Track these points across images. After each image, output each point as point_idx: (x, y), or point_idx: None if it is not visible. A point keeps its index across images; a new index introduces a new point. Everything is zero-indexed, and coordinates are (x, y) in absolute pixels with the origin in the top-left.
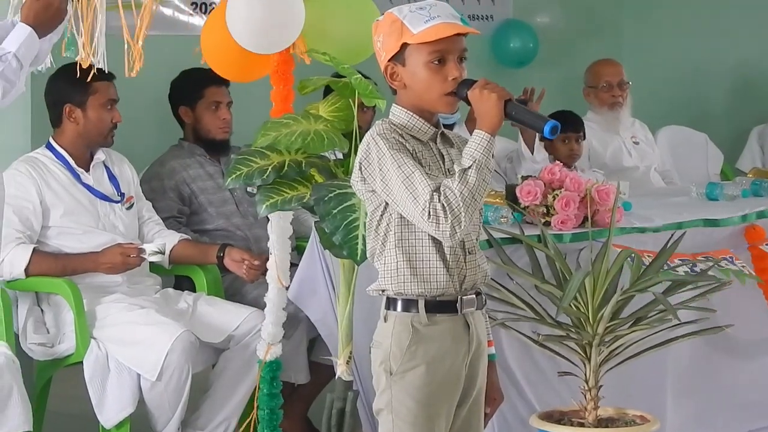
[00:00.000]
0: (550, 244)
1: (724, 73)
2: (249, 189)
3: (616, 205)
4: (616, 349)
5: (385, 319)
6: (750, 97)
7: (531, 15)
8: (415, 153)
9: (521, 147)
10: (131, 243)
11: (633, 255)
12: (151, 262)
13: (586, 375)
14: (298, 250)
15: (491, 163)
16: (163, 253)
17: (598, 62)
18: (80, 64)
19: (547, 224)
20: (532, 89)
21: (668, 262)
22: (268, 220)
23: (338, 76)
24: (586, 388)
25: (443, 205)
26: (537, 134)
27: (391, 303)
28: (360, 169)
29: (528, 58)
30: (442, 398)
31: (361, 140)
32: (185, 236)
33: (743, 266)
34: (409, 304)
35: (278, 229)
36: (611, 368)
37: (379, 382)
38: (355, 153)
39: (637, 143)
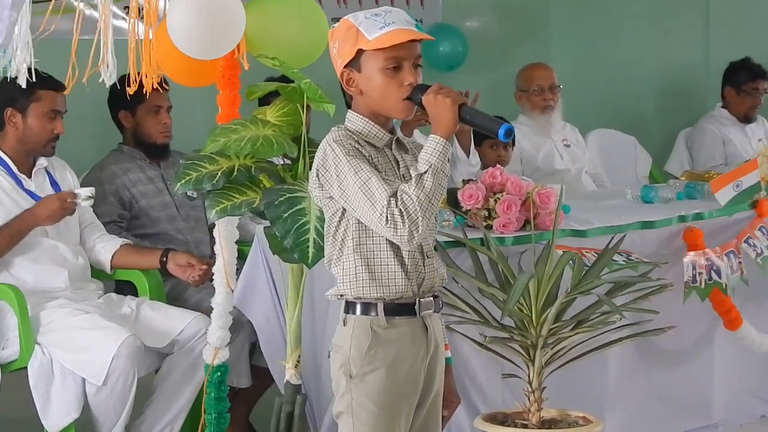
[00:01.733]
0: (493, 247)
1: (652, 77)
2: (189, 193)
3: (559, 208)
4: (559, 351)
5: (344, 323)
6: (677, 100)
7: (460, 19)
8: (371, 159)
9: (456, 150)
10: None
11: (575, 257)
12: (93, 268)
13: (529, 377)
14: (239, 255)
15: (447, 168)
16: (94, 198)
17: (530, 66)
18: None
19: (489, 227)
20: (467, 92)
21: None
22: (213, 224)
23: (275, 79)
24: (530, 389)
25: (401, 210)
26: (472, 138)
27: (350, 307)
28: (317, 175)
29: (457, 62)
30: (402, 401)
31: (309, 145)
32: (127, 241)
33: (659, 282)
34: (368, 308)
35: (225, 233)
36: (554, 370)
37: (338, 386)
38: (304, 158)
39: (568, 146)
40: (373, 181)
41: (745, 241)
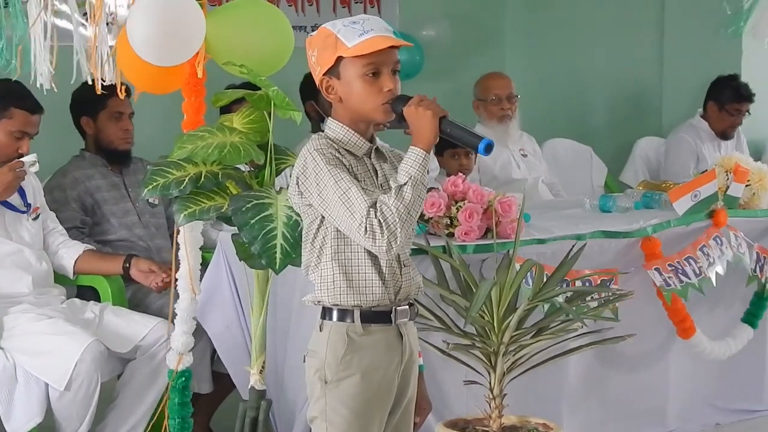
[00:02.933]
0: (455, 254)
1: (607, 86)
2: (150, 200)
3: (521, 216)
4: (520, 358)
5: (321, 329)
6: (632, 110)
7: (417, 28)
8: (351, 168)
9: None
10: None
11: (536, 265)
12: (55, 273)
13: (491, 384)
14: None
15: (426, 179)
16: (38, 163)
17: (488, 75)
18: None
19: (451, 235)
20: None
21: None
22: (176, 231)
23: (237, 86)
24: (491, 396)
25: (380, 220)
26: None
27: (326, 312)
28: (297, 183)
29: (414, 71)
30: (375, 407)
31: (275, 152)
32: (90, 247)
33: (619, 291)
34: (345, 314)
35: (190, 239)
36: (515, 377)
37: (313, 391)
38: (270, 164)
39: (525, 156)
40: (353, 191)
41: (699, 250)
